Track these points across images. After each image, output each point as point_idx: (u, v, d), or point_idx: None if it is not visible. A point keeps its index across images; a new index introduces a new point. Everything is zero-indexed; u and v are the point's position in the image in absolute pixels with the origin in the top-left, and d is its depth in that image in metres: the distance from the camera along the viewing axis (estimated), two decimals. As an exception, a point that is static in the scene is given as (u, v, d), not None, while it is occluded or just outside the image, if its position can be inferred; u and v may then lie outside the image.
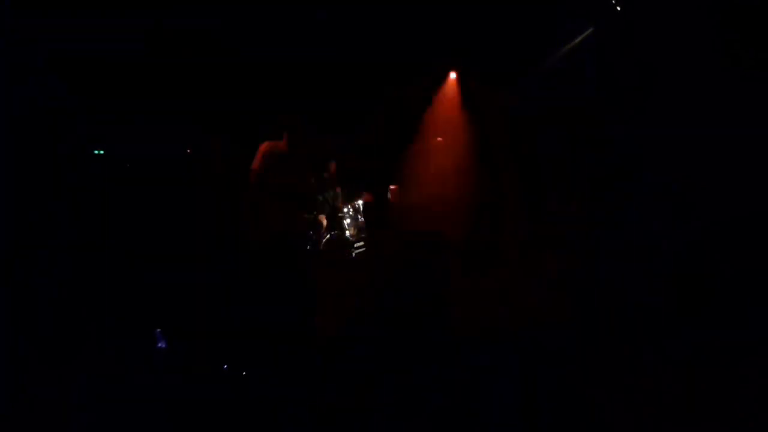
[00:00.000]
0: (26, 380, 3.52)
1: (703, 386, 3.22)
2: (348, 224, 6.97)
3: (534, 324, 3.37)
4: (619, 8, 6.35)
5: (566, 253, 4.62)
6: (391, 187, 6.77)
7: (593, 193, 5.51)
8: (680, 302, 4.47)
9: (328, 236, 6.43)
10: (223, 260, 4.99)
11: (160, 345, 4.09)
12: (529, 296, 3.98)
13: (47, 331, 4.07)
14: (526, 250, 4.53)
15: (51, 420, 3.14)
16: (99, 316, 4.33)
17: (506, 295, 3.98)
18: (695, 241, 4.95)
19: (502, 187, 7.38)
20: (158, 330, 4.17)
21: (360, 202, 7.05)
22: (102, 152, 5.62)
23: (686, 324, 4.21)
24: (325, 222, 6.52)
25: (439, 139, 6.15)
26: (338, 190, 7.35)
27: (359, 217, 7.05)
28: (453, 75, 8.16)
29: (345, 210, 7.03)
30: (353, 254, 6.68)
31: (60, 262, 4.57)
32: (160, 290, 4.55)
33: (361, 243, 6.80)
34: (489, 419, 2.41)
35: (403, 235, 5.50)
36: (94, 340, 4.06)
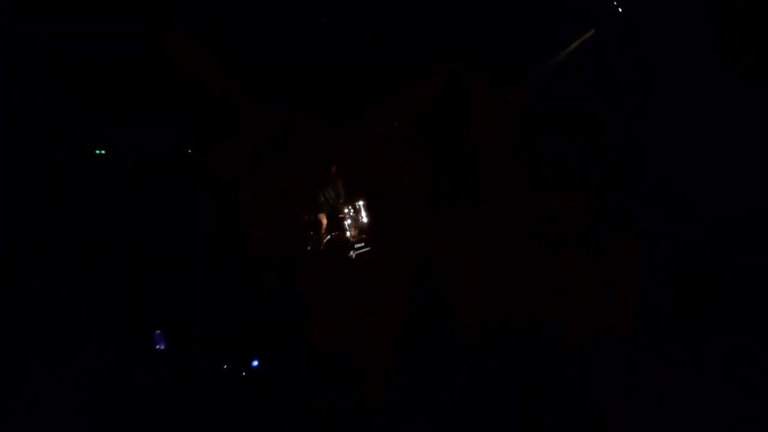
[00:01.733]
0: (26, 380, 3.52)
1: (703, 386, 3.22)
2: (349, 225, 6.95)
3: (534, 324, 3.37)
4: (620, 9, 6.35)
5: (566, 252, 4.62)
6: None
7: (594, 193, 5.51)
8: (680, 302, 4.46)
9: (329, 237, 6.42)
10: (223, 260, 4.99)
11: (159, 345, 4.10)
12: (530, 296, 3.98)
13: (47, 331, 4.06)
14: (526, 250, 4.53)
15: (51, 420, 3.14)
16: (99, 316, 4.32)
17: (508, 295, 3.98)
18: (695, 241, 4.95)
19: (502, 187, 7.38)
20: (158, 331, 4.17)
21: (361, 202, 7.04)
22: (103, 152, 5.62)
23: (686, 324, 4.20)
24: (325, 222, 6.51)
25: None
26: (340, 190, 7.34)
27: (360, 217, 7.03)
28: (453, 75, 8.14)
29: (345, 210, 7.01)
30: (354, 255, 6.66)
31: (60, 262, 4.57)
32: (160, 290, 4.55)
33: (362, 244, 6.79)
34: (489, 419, 2.41)
35: (405, 236, 5.50)
36: (94, 340, 4.06)
